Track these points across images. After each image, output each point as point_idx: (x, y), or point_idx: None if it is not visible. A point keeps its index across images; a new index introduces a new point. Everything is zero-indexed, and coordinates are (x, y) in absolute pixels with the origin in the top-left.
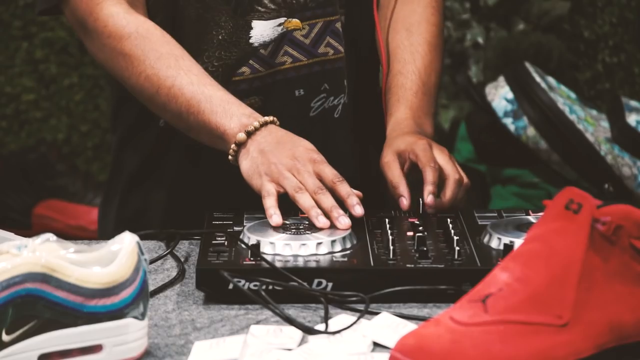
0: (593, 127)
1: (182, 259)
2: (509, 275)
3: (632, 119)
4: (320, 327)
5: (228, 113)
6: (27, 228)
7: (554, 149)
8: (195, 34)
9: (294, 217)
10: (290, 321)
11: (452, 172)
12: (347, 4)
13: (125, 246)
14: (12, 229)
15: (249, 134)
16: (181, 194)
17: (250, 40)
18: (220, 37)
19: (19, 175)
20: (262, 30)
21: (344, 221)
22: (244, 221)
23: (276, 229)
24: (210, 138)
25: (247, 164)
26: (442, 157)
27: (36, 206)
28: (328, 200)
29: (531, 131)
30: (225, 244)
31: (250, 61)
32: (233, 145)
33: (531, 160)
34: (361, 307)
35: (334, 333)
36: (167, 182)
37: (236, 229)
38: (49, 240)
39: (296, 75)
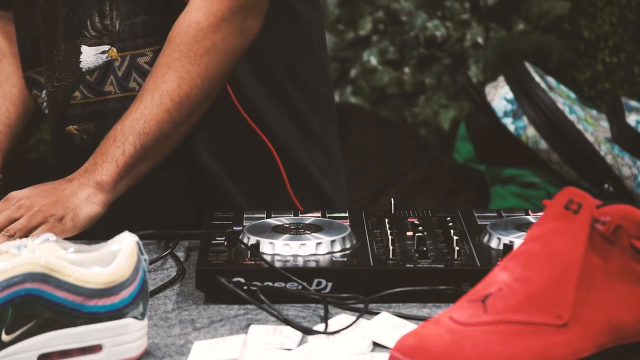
0: (593, 127)
1: (182, 259)
2: (509, 275)
3: (632, 119)
4: (320, 327)
5: None
6: None
7: (554, 149)
8: (44, 51)
9: (294, 217)
10: (288, 322)
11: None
12: (155, 41)
13: (125, 246)
14: None
15: None
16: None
17: (80, 65)
18: (60, 57)
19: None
20: (88, 56)
21: None
22: (244, 221)
23: (276, 228)
24: None
25: None
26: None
27: None
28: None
29: (531, 131)
30: (225, 244)
31: (81, 86)
32: None
33: (531, 160)
34: (361, 306)
35: (332, 333)
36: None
37: (236, 229)
38: (49, 240)
39: (120, 107)
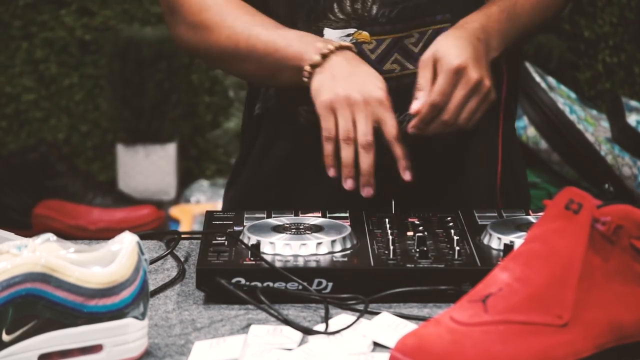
0: (593, 127)
1: (182, 259)
2: (509, 275)
3: (632, 119)
4: (320, 327)
5: (303, 42)
6: (27, 228)
7: (554, 149)
8: None
9: (294, 217)
10: (288, 323)
11: (449, 111)
12: (424, 24)
13: (125, 246)
14: (12, 229)
15: (324, 57)
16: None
17: None
18: None
19: (19, 175)
20: (331, 39)
21: (367, 192)
22: (244, 221)
23: (276, 228)
24: (290, 72)
25: (317, 84)
26: (458, 92)
27: (36, 206)
28: (367, 162)
29: (531, 131)
30: (225, 244)
31: None
32: (308, 67)
33: (531, 160)
34: (362, 307)
35: (333, 333)
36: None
37: (236, 229)
38: (49, 240)
39: None
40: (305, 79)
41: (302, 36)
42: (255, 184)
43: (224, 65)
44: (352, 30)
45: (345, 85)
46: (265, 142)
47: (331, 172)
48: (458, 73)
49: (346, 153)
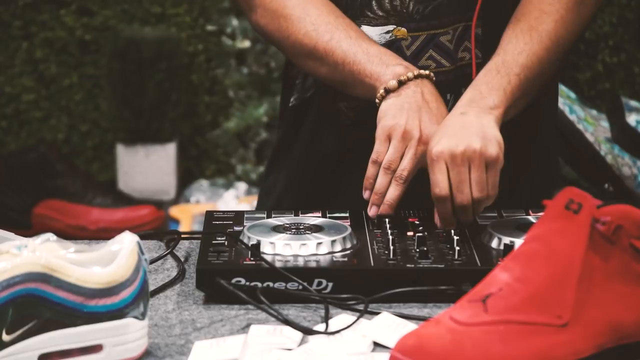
0: (593, 127)
1: (182, 259)
2: (509, 275)
3: (632, 119)
4: (320, 327)
5: (384, 63)
6: (27, 228)
7: None
8: None
9: (294, 217)
10: (288, 323)
11: (456, 195)
12: (456, 20)
13: (125, 246)
14: (12, 229)
15: (401, 83)
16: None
17: None
18: None
19: (19, 175)
20: (371, 36)
21: (373, 212)
22: (244, 221)
23: (276, 228)
24: (363, 88)
25: (385, 107)
26: (454, 175)
27: (36, 206)
28: (394, 195)
29: None
30: (225, 244)
31: None
32: (382, 91)
33: None
34: (362, 307)
35: (333, 333)
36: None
37: (236, 229)
38: (49, 240)
39: None
40: (377, 100)
41: (383, 55)
42: (297, 179)
43: (295, 59)
44: (391, 27)
45: (409, 118)
46: (307, 137)
47: (366, 195)
48: (441, 157)
49: (381, 181)
